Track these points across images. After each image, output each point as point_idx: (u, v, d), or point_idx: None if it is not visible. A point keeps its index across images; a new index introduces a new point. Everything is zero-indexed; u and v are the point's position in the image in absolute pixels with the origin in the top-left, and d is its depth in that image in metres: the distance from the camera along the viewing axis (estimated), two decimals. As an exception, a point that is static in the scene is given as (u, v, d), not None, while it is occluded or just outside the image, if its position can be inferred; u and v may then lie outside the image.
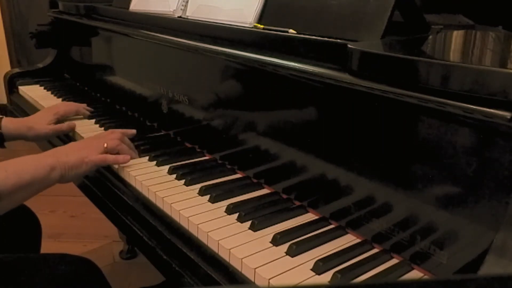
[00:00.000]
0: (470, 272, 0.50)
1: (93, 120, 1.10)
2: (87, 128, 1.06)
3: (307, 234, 0.63)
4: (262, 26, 0.79)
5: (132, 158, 0.86)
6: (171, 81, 0.98)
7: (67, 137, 1.07)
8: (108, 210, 0.82)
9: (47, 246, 1.17)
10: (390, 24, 0.62)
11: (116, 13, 1.22)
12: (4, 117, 1.04)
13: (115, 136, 0.87)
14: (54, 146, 1.10)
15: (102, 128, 1.05)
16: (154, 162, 0.85)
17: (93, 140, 0.87)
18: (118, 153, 0.85)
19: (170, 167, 0.82)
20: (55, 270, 0.77)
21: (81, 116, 1.12)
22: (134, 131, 0.94)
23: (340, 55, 0.60)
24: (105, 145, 0.83)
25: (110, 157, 0.83)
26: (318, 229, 0.65)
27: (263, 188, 0.77)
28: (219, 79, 0.85)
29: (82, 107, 1.13)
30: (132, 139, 0.96)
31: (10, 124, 1.02)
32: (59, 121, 1.07)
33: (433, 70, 0.49)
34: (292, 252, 0.59)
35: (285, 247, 0.60)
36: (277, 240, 0.61)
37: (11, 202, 0.73)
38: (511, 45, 0.70)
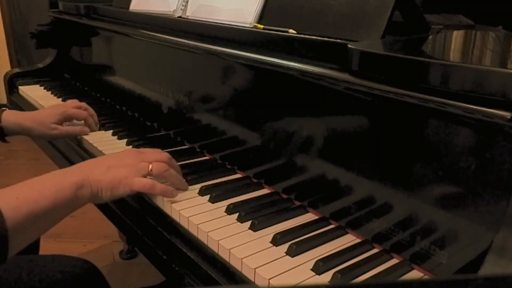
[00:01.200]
0: (470, 272, 0.50)
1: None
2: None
3: (307, 234, 0.63)
4: (262, 26, 0.79)
5: (179, 188, 0.72)
6: (171, 81, 0.98)
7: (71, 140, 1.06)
8: (108, 210, 0.82)
9: (47, 246, 1.17)
10: (390, 24, 0.62)
11: (116, 13, 1.22)
12: (6, 109, 0.99)
13: (163, 157, 0.72)
14: (54, 146, 1.10)
15: (102, 128, 1.05)
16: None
17: (135, 157, 0.71)
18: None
19: (170, 167, 0.82)
20: (54, 271, 0.77)
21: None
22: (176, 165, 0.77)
23: (340, 55, 0.60)
24: (150, 167, 0.69)
25: (159, 187, 0.69)
26: (318, 229, 0.65)
27: (263, 188, 0.77)
28: (219, 79, 0.85)
29: (91, 119, 1.03)
30: (132, 139, 0.96)
31: (12, 117, 0.97)
32: (66, 121, 1.02)
33: (433, 70, 0.49)
34: (292, 252, 0.59)
35: (285, 247, 0.60)
36: (277, 240, 0.61)
37: (26, 237, 0.59)
38: (511, 45, 0.70)
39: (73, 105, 1.04)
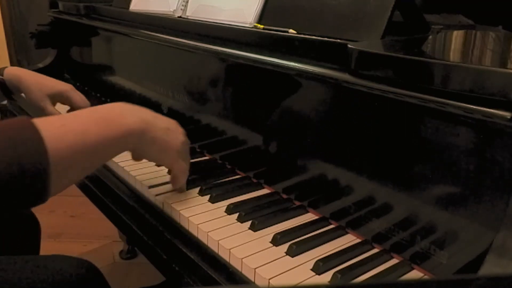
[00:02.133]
0: (470, 272, 0.50)
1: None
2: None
3: (307, 234, 0.63)
4: (262, 26, 0.79)
5: (177, 191, 0.74)
6: (171, 81, 0.98)
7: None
8: (108, 210, 0.82)
9: (47, 246, 1.17)
10: (390, 24, 0.62)
11: (116, 13, 1.22)
12: (9, 67, 0.97)
13: (187, 167, 0.72)
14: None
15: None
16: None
17: (187, 145, 0.71)
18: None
19: (170, 167, 0.82)
20: (54, 272, 0.77)
21: None
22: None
23: (340, 55, 0.60)
24: (187, 166, 0.71)
25: (183, 180, 0.71)
26: (318, 229, 0.65)
27: (263, 188, 0.77)
28: (219, 79, 0.85)
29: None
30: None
31: (14, 70, 0.95)
32: (59, 98, 0.99)
33: (433, 70, 0.49)
34: (292, 252, 0.59)
35: (285, 247, 0.60)
36: (277, 240, 0.61)
37: (69, 174, 0.52)
38: (511, 45, 0.70)
39: (78, 93, 1.00)
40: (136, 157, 0.66)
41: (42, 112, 0.97)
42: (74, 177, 0.56)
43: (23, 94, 1.00)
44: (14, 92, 0.96)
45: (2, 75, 0.95)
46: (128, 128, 0.59)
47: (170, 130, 0.66)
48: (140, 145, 0.62)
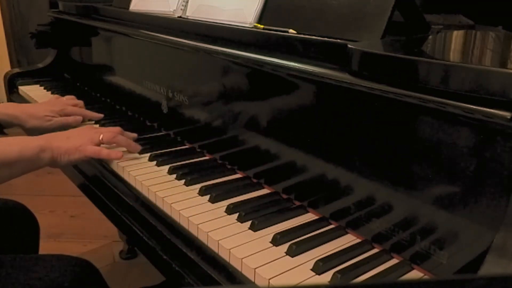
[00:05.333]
0: (470, 272, 0.50)
1: (93, 120, 1.10)
2: (87, 128, 1.06)
3: (307, 234, 0.63)
4: (262, 26, 0.79)
5: (132, 150, 0.86)
6: (171, 81, 0.98)
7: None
8: (108, 210, 0.82)
9: (47, 246, 1.17)
10: (390, 24, 0.62)
11: (116, 13, 1.22)
12: (0, 103, 1.02)
13: (114, 129, 0.87)
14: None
15: (102, 128, 1.05)
16: (154, 162, 0.85)
17: (89, 130, 0.86)
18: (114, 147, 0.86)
19: (170, 167, 0.82)
20: (53, 271, 0.77)
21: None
22: (135, 135, 0.93)
23: (340, 55, 0.60)
24: (101, 137, 0.83)
25: (104, 152, 0.83)
26: (318, 229, 0.65)
27: (263, 188, 0.77)
28: (219, 79, 0.85)
29: (90, 114, 1.09)
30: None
31: (7, 109, 1.00)
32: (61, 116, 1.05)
33: (433, 70, 0.49)
34: (292, 252, 0.59)
35: (285, 247, 0.60)
36: (277, 240, 0.61)
37: None
38: (511, 45, 0.70)
39: (70, 103, 1.09)
40: (57, 166, 0.82)
41: (53, 129, 1.02)
42: (3, 178, 0.74)
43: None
44: (6, 127, 1.03)
45: None
46: (39, 147, 0.77)
47: (70, 137, 0.82)
48: (52, 158, 0.78)
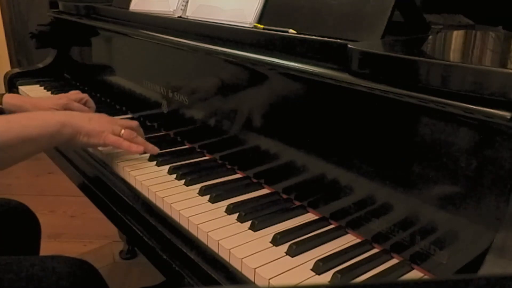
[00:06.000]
0: (470, 272, 0.50)
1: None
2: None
3: (307, 234, 0.63)
4: (262, 26, 0.79)
5: (148, 151, 0.85)
6: (171, 81, 0.98)
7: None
8: (108, 210, 0.82)
9: (47, 246, 1.17)
10: (390, 24, 0.62)
11: (116, 13, 1.22)
12: (6, 93, 1.03)
13: (133, 124, 0.87)
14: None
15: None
16: (154, 162, 0.85)
17: (110, 120, 0.86)
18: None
19: (170, 167, 0.82)
20: (52, 272, 0.77)
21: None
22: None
23: (340, 55, 0.60)
24: (122, 132, 0.83)
25: (125, 144, 0.82)
26: (318, 229, 0.65)
27: (263, 188, 0.77)
28: (219, 79, 0.85)
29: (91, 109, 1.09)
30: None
31: (13, 100, 1.01)
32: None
33: (433, 70, 0.49)
34: (292, 252, 0.59)
35: (285, 247, 0.60)
36: (277, 240, 0.61)
37: (13, 155, 0.71)
38: (511, 45, 0.70)
39: (75, 97, 1.07)
40: (73, 145, 0.83)
41: None
42: (19, 158, 0.75)
43: None
44: None
45: (1, 103, 1.00)
46: (60, 122, 0.76)
47: (92, 120, 0.82)
48: (71, 135, 0.78)
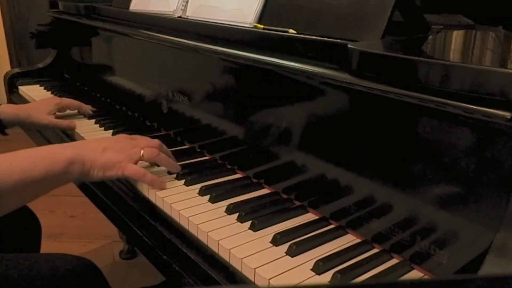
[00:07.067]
0: (470, 272, 0.50)
1: (93, 120, 1.10)
2: (86, 128, 1.06)
3: (307, 234, 0.63)
4: (262, 26, 0.79)
5: (172, 171, 0.77)
6: (171, 81, 0.98)
7: (66, 134, 1.07)
8: (108, 210, 0.82)
9: (47, 246, 1.17)
10: (390, 24, 0.62)
11: (116, 13, 1.22)
12: (2, 104, 1.04)
13: (154, 144, 0.77)
14: (49, 142, 1.10)
15: (102, 128, 1.05)
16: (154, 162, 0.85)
17: (127, 142, 0.76)
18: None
19: (170, 167, 0.82)
20: (54, 270, 0.77)
21: (81, 116, 1.13)
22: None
23: (340, 55, 0.60)
24: (142, 152, 0.74)
25: (149, 177, 0.73)
26: (318, 229, 0.65)
27: (263, 188, 0.77)
28: (219, 79, 0.85)
29: (86, 106, 1.13)
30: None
31: (8, 109, 1.01)
32: (59, 112, 1.08)
33: (433, 70, 0.49)
34: (292, 252, 0.59)
35: (285, 247, 0.60)
36: (277, 240, 0.61)
37: (15, 200, 0.65)
38: (511, 45, 0.70)
39: (67, 98, 1.13)
40: (87, 180, 0.74)
41: (49, 128, 1.06)
42: (22, 202, 0.68)
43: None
44: (7, 127, 1.03)
45: None
46: (68, 160, 0.67)
47: (106, 149, 0.72)
48: (83, 171, 0.70)
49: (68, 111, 1.12)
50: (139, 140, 0.78)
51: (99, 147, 0.72)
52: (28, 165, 0.64)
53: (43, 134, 1.12)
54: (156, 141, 0.78)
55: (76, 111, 1.13)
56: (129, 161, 0.73)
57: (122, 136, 0.78)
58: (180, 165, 0.83)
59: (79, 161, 0.68)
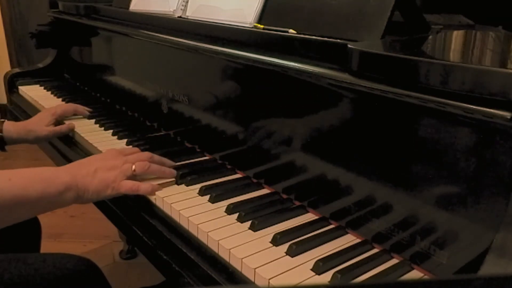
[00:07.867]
0: (470, 272, 0.50)
1: (93, 120, 1.10)
2: (87, 128, 1.06)
3: (307, 234, 0.63)
4: (262, 26, 0.79)
5: (167, 178, 0.78)
6: (171, 81, 0.98)
7: (67, 137, 1.07)
8: (108, 210, 0.82)
9: (47, 246, 1.17)
10: (390, 24, 0.62)
11: (116, 13, 1.22)
12: (5, 120, 1.04)
13: (145, 156, 0.78)
14: (54, 146, 1.10)
15: (102, 128, 1.05)
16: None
17: (118, 159, 0.76)
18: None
19: (170, 167, 0.82)
20: (55, 270, 0.77)
21: (81, 116, 1.13)
22: (170, 162, 0.83)
23: (340, 55, 0.60)
24: (133, 168, 0.74)
25: (142, 187, 0.73)
26: (318, 229, 0.65)
27: (263, 188, 0.77)
28: (219, 79, 0.85)
29: (81, 107, 1.14)
30: (132, 139, 0.97)
31: (11, 127, 1.02)
32: (58, 121, 1.07)
33: (433, 70, 0.49)
34: (292, 252, 0.59)
35: (285, 247, 0.60)
36: (277, 240, 0.61)
37: (10, 217, 0.66)
38: (511, 45, 0.70)
39: (61, 105, 1.14)
40: (83, 203, 0.73)
41: (52, 137, 1.07)
42: (12, 220, 0.68)
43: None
44: (8, 144, 1.04)
45: (1, 131, 1.01)
46: (64, 184, 0.68)
47: (98, 171, 0.73)
48: (77, 196, 0.70)
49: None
50: (129, 155, 0.78)
51: (91, 169, 0.73)
52: (26, 183, 0.65)
53: (51, 143, 1.12)
54: (147, 154, 0.79)
55: (72, 115, 1.13)
56: (122, 178, 0.73)
57: (112, 152, 0.79)
58: (180, 165, 0.83)
59: (73, 187, 0.69)
